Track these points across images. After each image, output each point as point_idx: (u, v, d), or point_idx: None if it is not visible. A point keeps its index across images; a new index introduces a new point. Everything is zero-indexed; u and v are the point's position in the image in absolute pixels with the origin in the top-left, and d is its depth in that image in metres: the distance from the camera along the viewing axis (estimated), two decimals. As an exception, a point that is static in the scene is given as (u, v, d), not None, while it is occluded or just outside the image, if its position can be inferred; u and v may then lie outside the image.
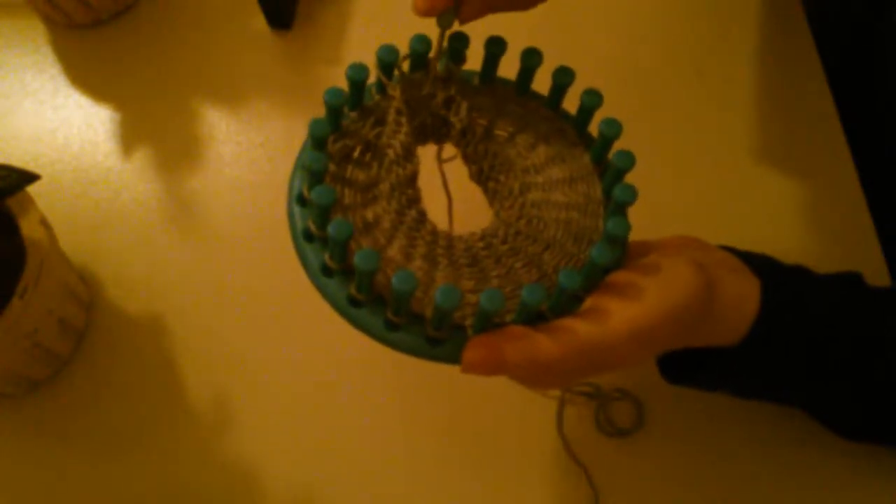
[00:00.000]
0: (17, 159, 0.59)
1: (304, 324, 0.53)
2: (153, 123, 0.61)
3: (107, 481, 0.49)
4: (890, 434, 0.45)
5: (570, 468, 0.48)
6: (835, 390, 0.40)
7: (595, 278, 0.34)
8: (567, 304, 0.33)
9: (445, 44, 0.36)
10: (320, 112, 0.35)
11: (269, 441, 0.49)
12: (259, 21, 0.65)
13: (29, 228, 0.46)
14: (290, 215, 0.34)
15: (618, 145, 0.36)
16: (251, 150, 0.60)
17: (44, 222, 0.47)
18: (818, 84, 0.61)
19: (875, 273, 0.52)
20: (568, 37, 0.62)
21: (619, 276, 0.34)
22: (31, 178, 0.46)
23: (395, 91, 0.36)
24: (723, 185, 0.58)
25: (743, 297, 0.36)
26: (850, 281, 0.41)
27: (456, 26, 0.35)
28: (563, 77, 0.37)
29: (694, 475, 0.48)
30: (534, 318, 0.32)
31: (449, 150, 0.39)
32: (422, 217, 0.35)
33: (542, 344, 0.31)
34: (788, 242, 0.52)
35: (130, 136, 0.61)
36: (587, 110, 0.37)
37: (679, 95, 0.62)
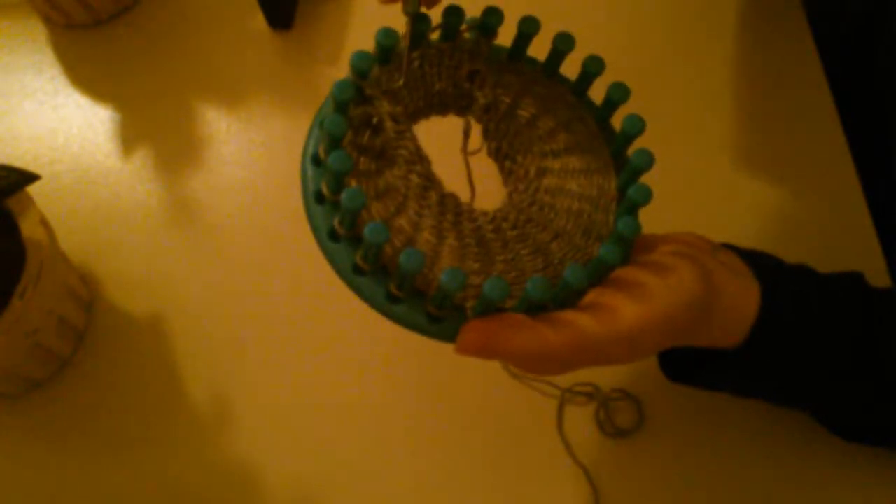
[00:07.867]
0: (17, 159, 0.60)
1: (304, 323, 0.53)
2: (153, 123, 0.61)
3: (107, 481, 0.49)
4: (889, 435, 0.45)
5: (570, 468, 0.48)
6: (835, 391, 0.40)
7: (600, 274, 0.34)
8: (569, 297, 0.33)
9: (412, 29, 0.36)
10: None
11: (269, 441, 0.49)
12: (259, 21, 0.65)
13: (29, 228, 0.46)
14: (303, 175, 0.34)
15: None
16: (251, 149, 0.60)
17: (44, 222, 0.47)
18: (818, 85, 0.61)
19: (875, 273, 0.52)
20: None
21: (623, 273, 0.34)
22: (31, 178, 0.46)
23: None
24: (723, 184, 0.58)
25: (743, 300, 0.36)
26: (852, 281, 0.41)
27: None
28: (593, 65, 0.37)
29: (694, 475, 0.48)
30: (535, 307, 0.32)
31: (474, 142, 0.38)
32: (429, 182, 0.34)
33: (544, 335, 0.31)
34: (788, 242, 0.52)
35: (130, 136, 0.61)
36: (613, 104, 0.37)
37: (678, 95, 0.62)
